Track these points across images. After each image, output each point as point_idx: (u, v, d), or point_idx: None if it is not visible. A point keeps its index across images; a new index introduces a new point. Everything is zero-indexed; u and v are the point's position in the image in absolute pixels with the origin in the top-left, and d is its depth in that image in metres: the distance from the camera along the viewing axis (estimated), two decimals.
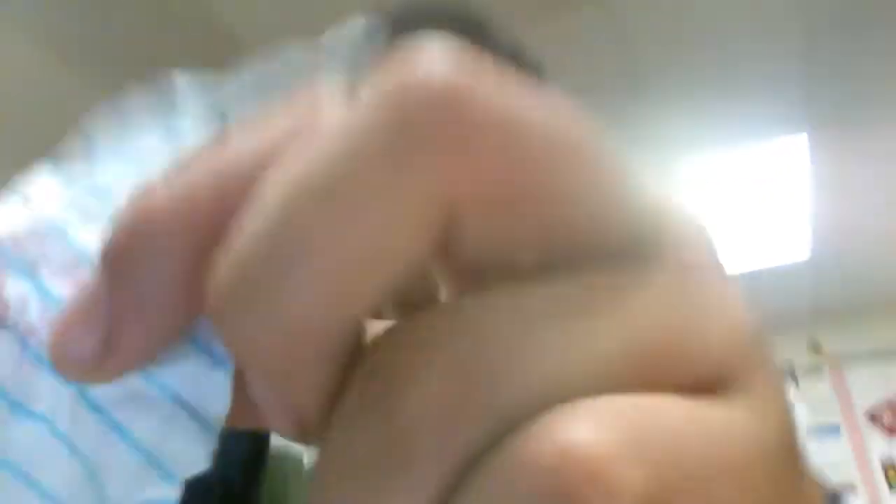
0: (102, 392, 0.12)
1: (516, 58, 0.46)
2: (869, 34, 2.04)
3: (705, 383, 0.10)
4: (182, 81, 0.13)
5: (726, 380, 0.10)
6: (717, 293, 0.11)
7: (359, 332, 0.11)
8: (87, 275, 0.12)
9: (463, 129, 0.09)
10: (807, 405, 4.04)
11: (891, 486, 3.78)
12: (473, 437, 0.09)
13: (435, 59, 0.09)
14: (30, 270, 0.12)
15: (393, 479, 0.09)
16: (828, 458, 3.70)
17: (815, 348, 4.20)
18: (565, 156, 0.10)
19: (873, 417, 3.97)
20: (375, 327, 0.11)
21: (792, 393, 4.13)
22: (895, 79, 2.23)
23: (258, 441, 0.43)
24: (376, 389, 0.10)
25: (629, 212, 0.11)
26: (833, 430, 3.97)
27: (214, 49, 2.00)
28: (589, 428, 0.08)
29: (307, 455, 0.46)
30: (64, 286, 0.12)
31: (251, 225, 0.09)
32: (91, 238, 0.12)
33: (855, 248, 3.34)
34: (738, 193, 2.79)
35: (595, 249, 0.10)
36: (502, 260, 0.10)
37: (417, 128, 0.09)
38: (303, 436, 0.11)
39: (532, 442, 0.08)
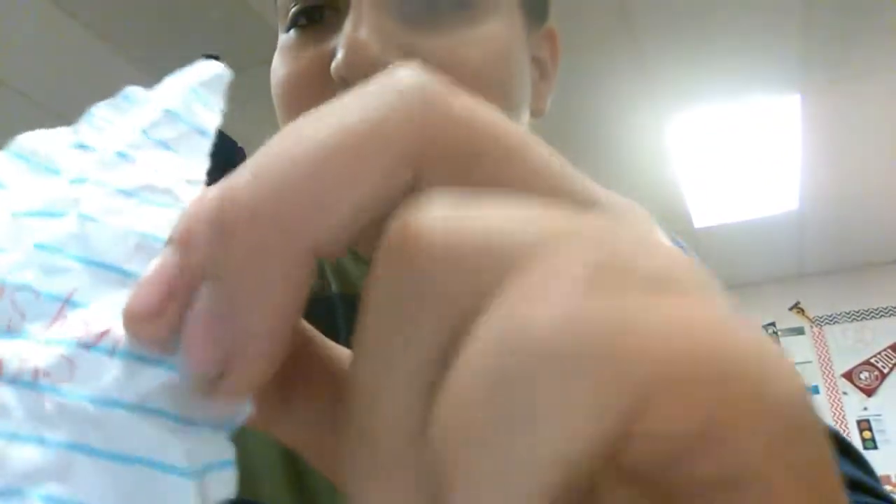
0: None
1: None
2: (866, 3, 2.03)
3: None
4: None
5: None
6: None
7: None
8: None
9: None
10: None
11: (865, 444, 3.89)
12: None
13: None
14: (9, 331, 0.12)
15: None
16: None
17: (798, 309, 4.26)
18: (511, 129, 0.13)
19: (851, 378, 4.05)
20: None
21: None
22: (890, 48, 2.22)
23: None
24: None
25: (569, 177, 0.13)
26: (812, 390, 4.07)
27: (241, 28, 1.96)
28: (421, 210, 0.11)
29: None
30: (52, 331, 0.12)
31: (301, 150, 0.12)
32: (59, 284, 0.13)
33: (839, 207, 3.38)
34: (730, 148, 2.81)
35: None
36: None
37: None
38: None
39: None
